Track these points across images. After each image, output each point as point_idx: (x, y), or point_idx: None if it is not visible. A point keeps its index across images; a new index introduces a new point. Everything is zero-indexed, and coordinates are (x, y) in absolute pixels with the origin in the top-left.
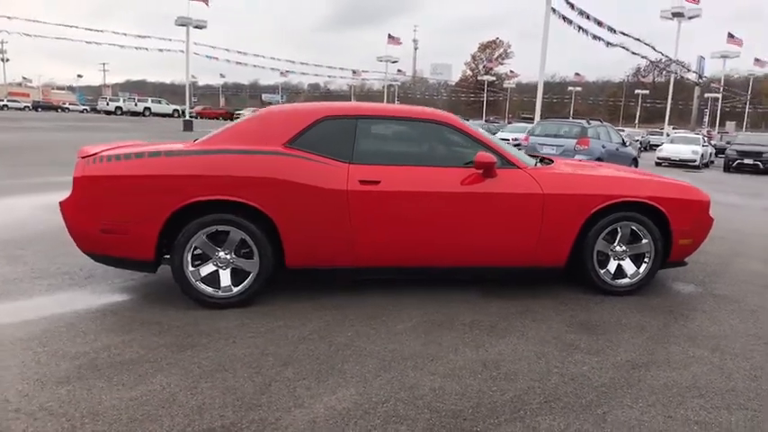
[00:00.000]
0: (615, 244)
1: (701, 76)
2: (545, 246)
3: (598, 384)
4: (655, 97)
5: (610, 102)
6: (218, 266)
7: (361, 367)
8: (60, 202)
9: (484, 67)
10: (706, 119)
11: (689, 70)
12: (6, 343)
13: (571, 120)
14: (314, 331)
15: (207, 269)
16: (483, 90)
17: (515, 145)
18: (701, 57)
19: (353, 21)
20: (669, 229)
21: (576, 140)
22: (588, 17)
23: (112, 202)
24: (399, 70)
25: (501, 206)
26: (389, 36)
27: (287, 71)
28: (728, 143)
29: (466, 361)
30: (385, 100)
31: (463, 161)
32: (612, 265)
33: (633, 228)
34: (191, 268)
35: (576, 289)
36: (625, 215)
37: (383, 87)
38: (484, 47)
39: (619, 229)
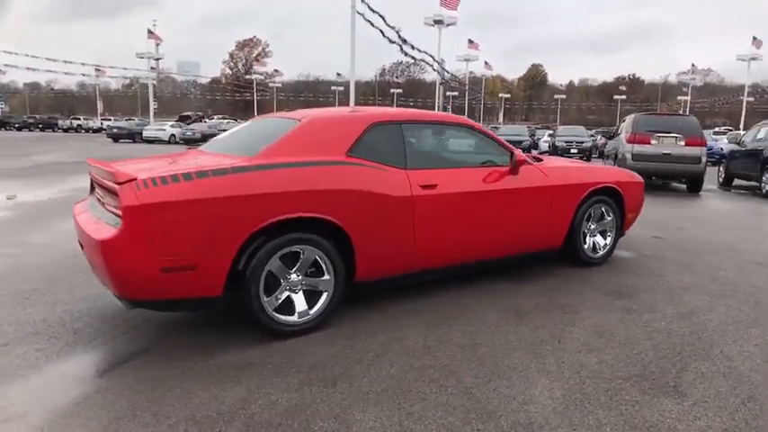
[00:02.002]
0: (590, 223)
1: (443, 76)
2: (552, 230)
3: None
4: (407, 96)
5: (369, 100)
6: (291, 290)
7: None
8: (102, 242)
9: (245, 65)
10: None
11: (436, 70)
12: None
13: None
14: (447, 336)
15: (281, 295)
16: (246, 89)
17: None
18: (442, 59)
19: (80, 12)
20: (623, 206)
21: None
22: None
23: (178, 234)
24: (153, 68)
25: (527, 199)
26: (149, 31)
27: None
28: None
29: (588, 335)
30: (151, 99)
31: (483, 161)
32: (589, 241)
33: (602, 209)
34: (266, 297)
35: (557, 265)
36: (598, 198)
37: (122, 86)
38: (242, 45)
39: (592, 211)
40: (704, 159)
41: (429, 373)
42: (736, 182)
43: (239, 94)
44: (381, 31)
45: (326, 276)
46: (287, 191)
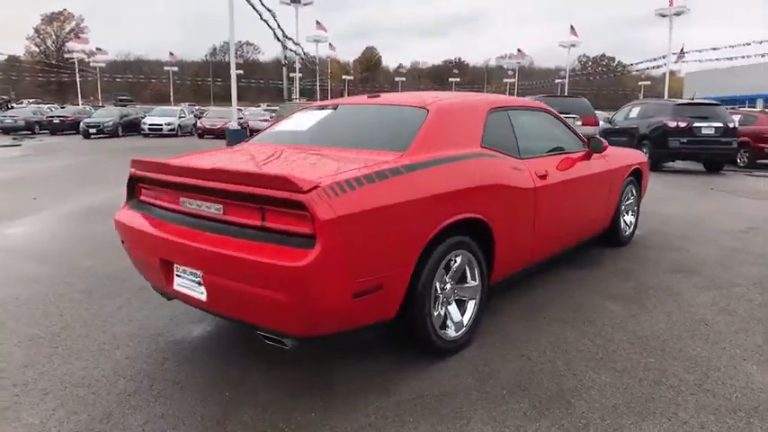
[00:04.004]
0: (625, 202)
1: (302, 57)
2: (608, 212)
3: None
4: (249, 78)
5: (198, 81)
6: (446, 303)
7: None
8: (299, 268)
9: (56, 42)
10: (295, 96)
11: (292, 50)
12: None
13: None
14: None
15: (441, 309)
16: (60, 69)
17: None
18: (295, 42)
19: None
20: (641, 186)
21: None
22: None
23: (369, 249)
24: None
25: (598, 183)
26: None
27: None
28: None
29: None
30: None
31: (561, 146)
32: (627, 219)
33: (632, 189)
34: (435, 312)
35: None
36: (631, 179)
37: None
38: (49, 19)
39: (628, 191)
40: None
41: (648, 375)
42: None
43: (53, 74)
44: (252, 5)
45: (473, 282)
46: (455, 189)
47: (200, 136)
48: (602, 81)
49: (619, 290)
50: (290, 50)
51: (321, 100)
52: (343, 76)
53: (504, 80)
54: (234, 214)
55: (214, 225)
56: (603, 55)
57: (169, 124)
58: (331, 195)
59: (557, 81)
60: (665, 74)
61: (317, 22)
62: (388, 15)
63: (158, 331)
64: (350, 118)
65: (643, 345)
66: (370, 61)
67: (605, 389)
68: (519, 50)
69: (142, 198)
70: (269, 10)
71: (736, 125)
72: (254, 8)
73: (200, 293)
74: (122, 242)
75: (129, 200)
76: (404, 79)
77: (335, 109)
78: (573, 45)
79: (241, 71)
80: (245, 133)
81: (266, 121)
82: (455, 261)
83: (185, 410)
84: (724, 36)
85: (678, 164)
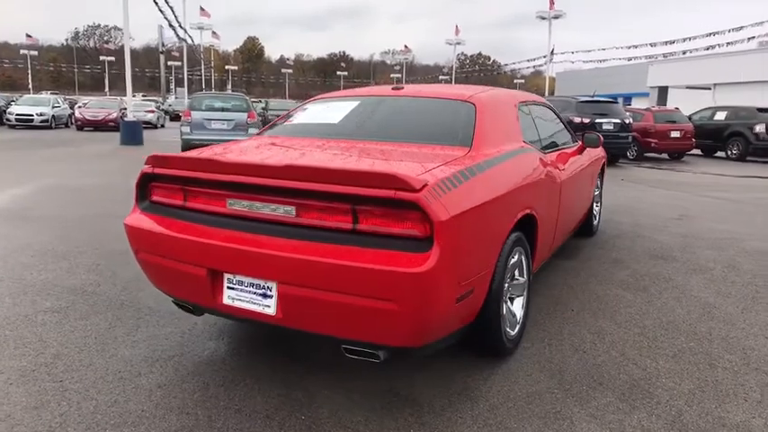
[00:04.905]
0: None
1: (164, 45)
2: (589, 202)
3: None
4: (120, 66)
5: (62, 67)
6: (506, 301)
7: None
8: (419, 274)
9: None
10: (172, 86)
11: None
12: None
13: (229, 92)
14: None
15: (503, 310)
16: None
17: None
18: (161, 26)
19: None
20: (603, 176)
21: (246, 114)
22: None
23: (470, 251)
24: None
25: (589, 175)
26: None
27: None
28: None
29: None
30: None
31: (560, 140)
32: (596, 209)
33: (599, 178)
34: (502, 312)
35: None
36: (600, 171)
37: None
38: None
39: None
40: None
41: (699, 358)
42: None
43: None
44: None
45: (521, 278)
46: (521, 185)
47: (80, 128)
48: (480, 79)
49: (621, 278)
50: (181, 38)
51: (206, 91)
52: (227, 67)
53: (392, 75)
54: (313, 216)
55: (283, 229)
56: (480, 54)
57: (41, 114)
58: (440, 194)
59: (440, 78)
60: (533, 73)
61: (201, 9)
62: (268, 5)
63: (176, 352)
64: (388, 110)
65: (675, 330)
66: (252, 51)
67: (672, 375)
68: (405, 46)
69: (156, 199)
70: None
71: (631, 121)
72: None
73: (266, 307)
74: (136, 252)
75: (140, 202)
76: (291, 71)
77: (361, 101)
78: (458, 43)
79: (112, 57)
80: (139, 125)
81: (151, 112)
82: (513, 258)
83: None
84: (589, 40)
85: None
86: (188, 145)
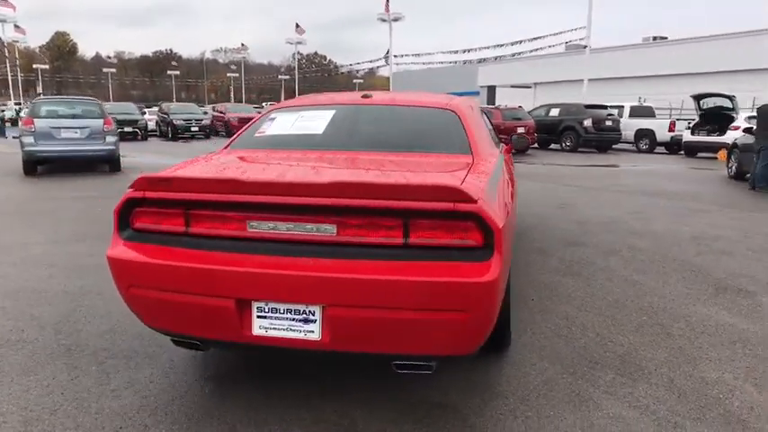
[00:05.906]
0: None
1: None
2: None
3: None
4: None
5: None
6: None
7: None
8: (486, 283)
9: None
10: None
11: None
12: None
13: (78, 97)
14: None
15: None
16: None
17: None
18: None
19: None
20: None
21: (102, 120)
22: None
23: (508, 254)
24: None
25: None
26: None
27: None
28: None
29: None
30: None
31: (496, 140)
32: None
33: None
34: None
35: None
36: None
37: None
38: None
39: None
40: None
41: (691, 333)
42: None
43: None
44: None
45: None
46: (513, 186)
47: None
48: (317, 78)
49: (554, 266)
50: None
51: (45, 95)
52: (34, 65)
53: (228, 75)
54: (356, 233)
55: (322, 249)
56: (316, 53)
57: None
58: (490, 203)
59: (279, 77)
60: (367, 73)
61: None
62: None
63: (173, 394)
64: (372, 120)
65: (624, 307)
66: (62, 48)
67: (645, 347)
68: (243, 44)
69: (141, 226)
70: None
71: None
72: None
73: (309, 333)
74: (126, 288)
75: (122, 231)
76: (114, 70)
77: (336, 110)
78: (299, 42)
79: None
80: None
81: None
82: None
83: None
84: (426, 42)
85: None
86: (33, 158)
